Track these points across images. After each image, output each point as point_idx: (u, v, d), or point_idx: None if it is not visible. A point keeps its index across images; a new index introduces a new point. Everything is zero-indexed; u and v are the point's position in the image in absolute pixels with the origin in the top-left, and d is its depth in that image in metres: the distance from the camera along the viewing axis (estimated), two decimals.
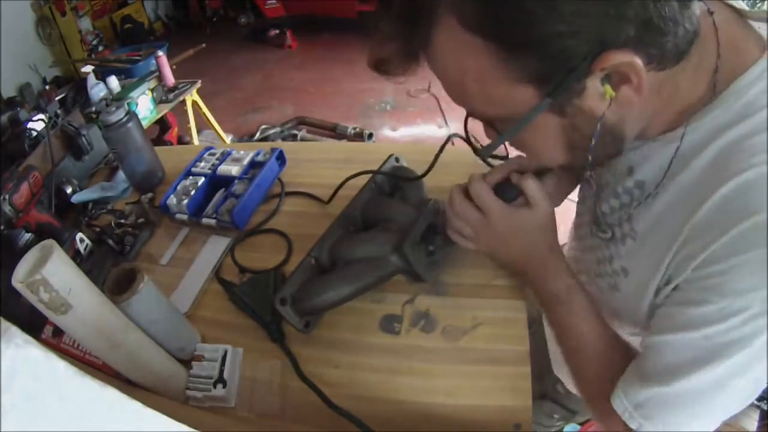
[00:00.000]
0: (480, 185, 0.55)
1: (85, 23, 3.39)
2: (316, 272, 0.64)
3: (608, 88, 0.35)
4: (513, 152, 0.54)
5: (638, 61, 0.33)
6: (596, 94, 0.36)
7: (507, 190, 0.55)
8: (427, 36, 0.37)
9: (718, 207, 0.38)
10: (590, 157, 0.41)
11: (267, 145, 0.91)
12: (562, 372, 0.81)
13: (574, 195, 0.67)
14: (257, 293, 0.66)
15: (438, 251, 0.63)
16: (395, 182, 0.74)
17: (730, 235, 0.37)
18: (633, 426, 0.44)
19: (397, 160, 0.78)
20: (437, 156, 0.62)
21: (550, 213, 0.54)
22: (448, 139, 0.57)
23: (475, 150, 0.48)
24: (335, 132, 2.72)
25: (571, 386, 0.80)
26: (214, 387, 0.55)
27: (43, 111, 1.72)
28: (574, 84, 0.35)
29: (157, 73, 2.17)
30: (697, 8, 0.35)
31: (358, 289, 0.61)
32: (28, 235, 0.72)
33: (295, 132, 2.75)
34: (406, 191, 0.71)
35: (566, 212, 0.68)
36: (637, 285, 0.47)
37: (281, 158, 0.88)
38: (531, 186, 0.53)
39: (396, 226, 0.64)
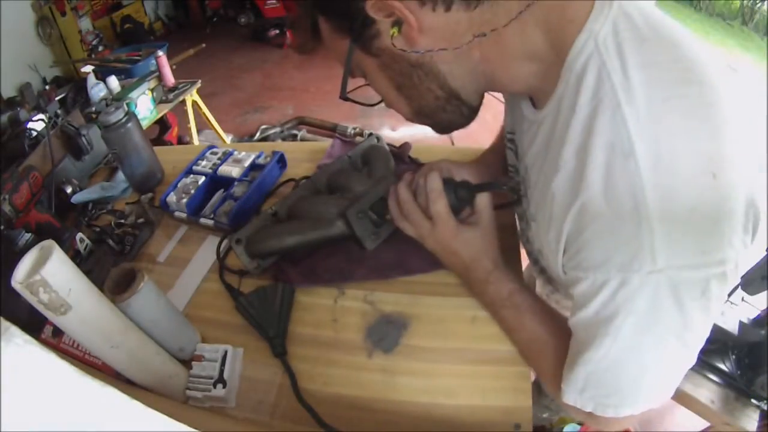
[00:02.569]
0: (438, 195, 0.57)
1: (85, 23, 3.38)
2: (273, 223, 0.71)
3: (395, 29, 0.42)
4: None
5: None
6: (388, 34, 0.43)
7: (457, 194, 0.57)
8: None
9: (564, 186, 0.40)
10: (425, 100, 0.48)
11: (269, 147, 0.91)
12: None
13: None
14: (264, 306, 0.64)
15: (386, 224, 0.67)
16: (367, 158, 0.79)
17: (572, 214, 0.39)
18: (588, 408, 0.45)
19: (377, 139, 0.84)
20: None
21: (493, 231, 0.58)
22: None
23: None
24: (335, 132, 2.72)
25: None
26: (214, 387, 0.55)
27: (43, 111, 1.72)
28: (362, 27, 0.43)
29: (157, 73, 2.17)
30: None
31: (300, 242, 0.67)
32: (28, 235, 0.72)
33: (295, 132, 2.75)
34: (374, 167, 0.76)
35: None
36: (552, 263, 0.47)
37: (282, 161, 0.89)
38: (482, 202, 0.58)
39: (352, 195, 0.69)
